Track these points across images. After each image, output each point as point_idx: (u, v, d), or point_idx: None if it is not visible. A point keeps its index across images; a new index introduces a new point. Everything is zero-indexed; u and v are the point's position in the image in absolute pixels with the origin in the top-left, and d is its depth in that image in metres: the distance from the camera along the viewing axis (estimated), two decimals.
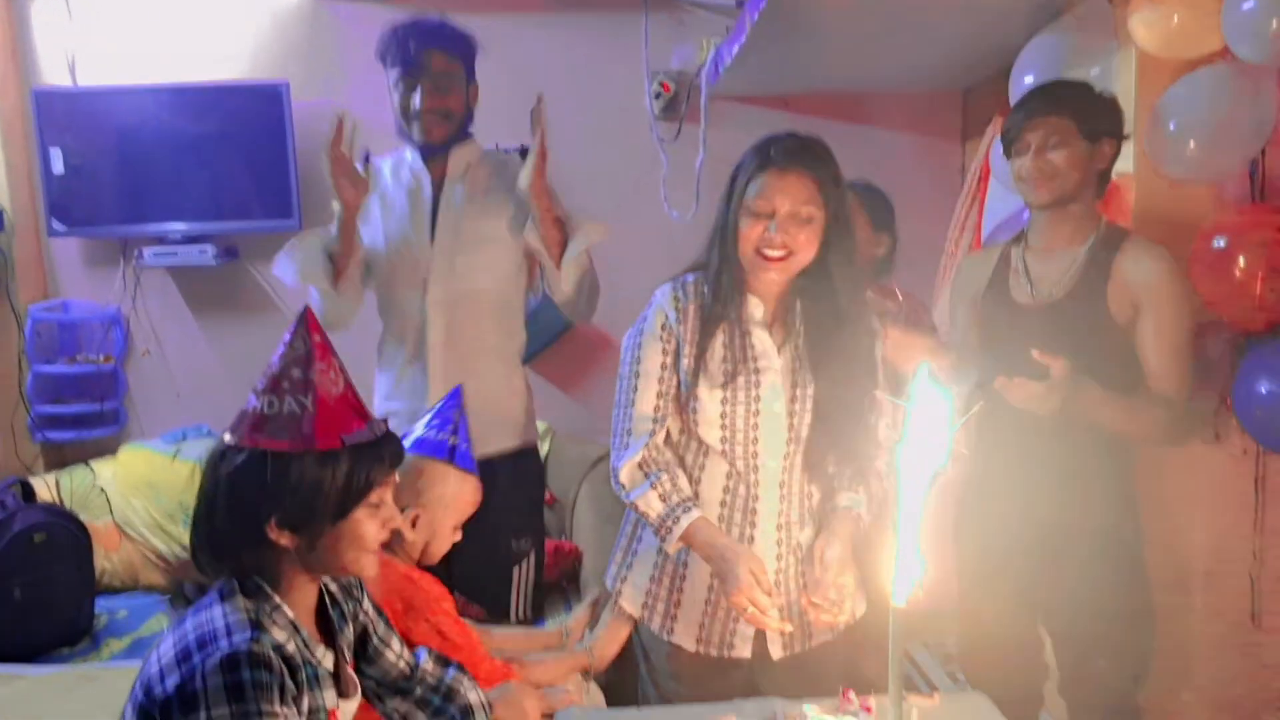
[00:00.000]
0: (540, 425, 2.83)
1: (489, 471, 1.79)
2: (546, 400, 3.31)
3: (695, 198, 3.07)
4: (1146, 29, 1.86)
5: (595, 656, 1.77)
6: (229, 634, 1.04)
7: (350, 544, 1.13)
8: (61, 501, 2.98)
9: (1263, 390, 1.73)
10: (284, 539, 1.09)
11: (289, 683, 1.03)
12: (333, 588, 1.22)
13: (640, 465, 1.62)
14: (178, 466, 3.13)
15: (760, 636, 1.65)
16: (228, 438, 1.11)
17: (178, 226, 3.29)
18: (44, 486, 3.02)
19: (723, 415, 1.61)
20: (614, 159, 3.40)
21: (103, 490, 3.08)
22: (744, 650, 1.66)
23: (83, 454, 3.31)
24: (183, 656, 1.03)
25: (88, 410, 3.38)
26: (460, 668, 1.34)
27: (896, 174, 2.51)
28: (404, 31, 2.01)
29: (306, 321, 1.15)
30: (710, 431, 1.62)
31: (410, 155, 2.13)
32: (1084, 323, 1.79)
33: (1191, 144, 1.82)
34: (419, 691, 1.28)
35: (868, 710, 1.13)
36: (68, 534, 2.68)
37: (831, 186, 1.57)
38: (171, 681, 1.01)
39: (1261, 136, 1.79)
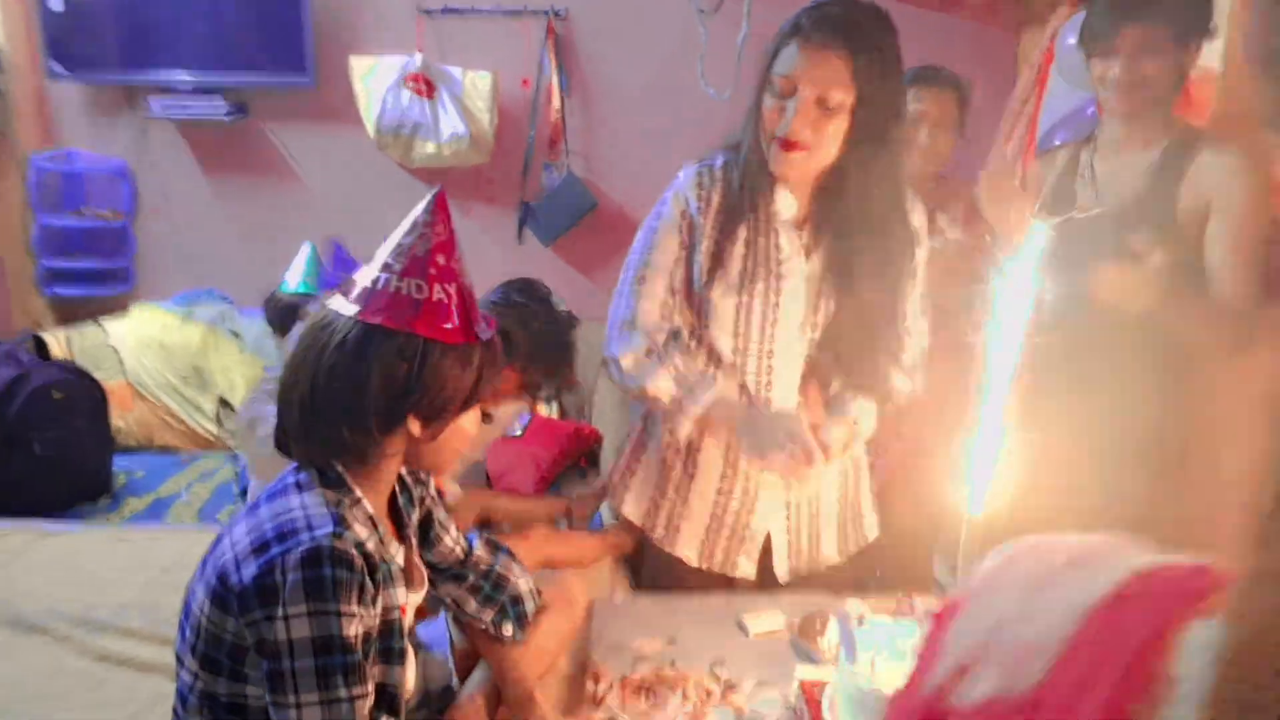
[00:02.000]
0: (562, 308, 2.77)
1: None
2: (568, 284, 3.24)
3: (735, 77, 2.91)
4: None
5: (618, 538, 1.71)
6: (310, 527, 0.98)
7: (458, 441, 1.10)
8: (73, 358, 2.94)
9: None
10: (416, 429, 1.05)
11: (368, 582, 0.99)
12: (403, 474, 1.18)
13: (648, 352, 1.47)
14: (189, 329, 3.08)
15: (766, 556, 1.55)
16: (372, 317, 1.02)
17: (184, 76, 3.12)
18: (55, 343, 2.97)
19: (736, 323, 1.45)
20: (648, 29, 3.23)
21: (114, 349, 3.03)
22: (748, 569, 1.55)
23: (91, 311, 3.25)
24: (259, 546, 0.98)
25: (97, 267, 3.30)
26: (509, 553, 1.32)
27: (950, 63, 2.37)
28: None
29: (442, 205, 1.05)
30: (723, 339, 1.47)
31: None
32: (1150, 229, 1.73)
33: None
34: (471, 578, 1.26)
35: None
36: (85, 391, 2.65)
37: (874, 68, 1.31)
38: (248, 571, 0.97)
39: None
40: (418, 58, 3.08)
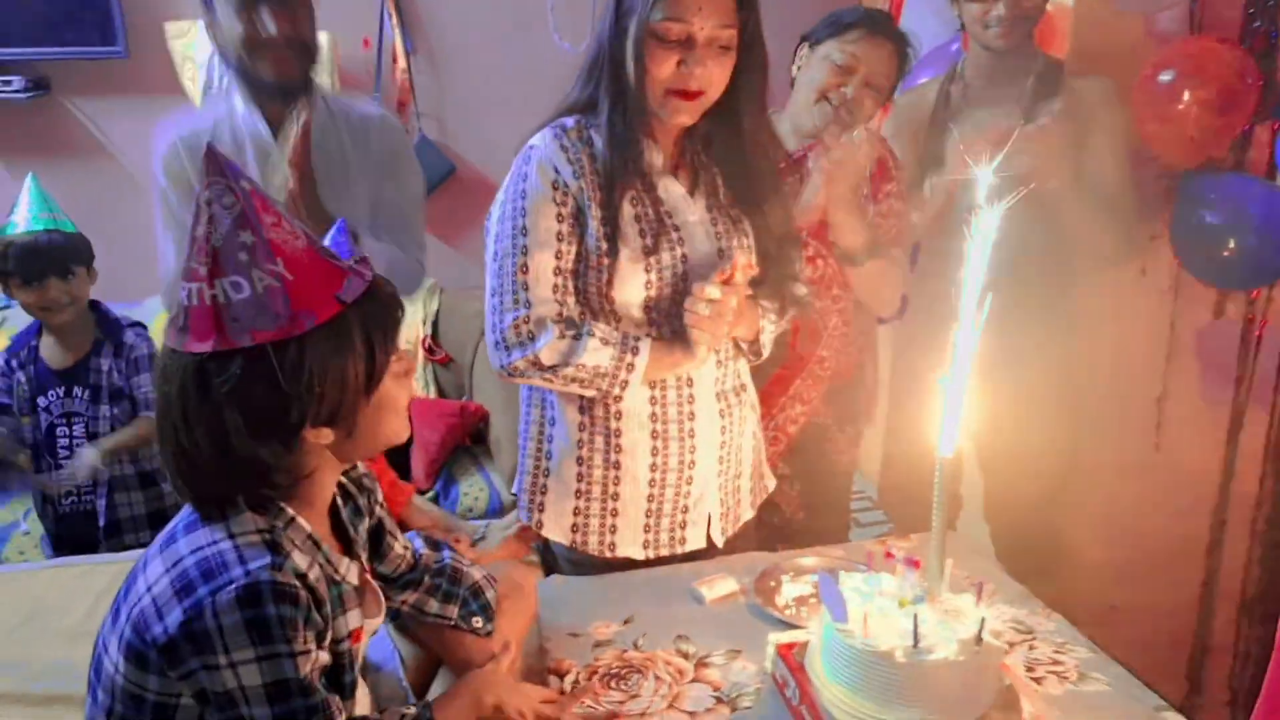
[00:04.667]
0: (426, 281, 2.61)
1: None
2: (430, 254, 3.06)
3: (591, 27, 2.81)
4: None
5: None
6: (242, 560, 0.85)
7: (387, 414, 0.95)
8: None
9: (1202, 221, 1.81)
10: (322, 437, 0.90)
11: (315, 616, 0.88)
12: (344, 481, 1.05)
13: (561, 335, 1.34)
14: None
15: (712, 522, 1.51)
16: (200, 345, 0.85)
17: None
18: None
19: (647, 284, 1.37)
20: None
21: None
22: (698, 540, 1.49)
23: None
24: (183, 588, 0.84)
25: None
26: (450, 545, 1.23)
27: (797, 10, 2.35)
28: None
29: (223, 170, 0.85)
30: (636, 298, 1.37)
31: (241, 107, 1.75)
32: (1030, 155, 1.80)
33: None
34: (426, 579, 1.16)
35: (916, 566, 1.08)
36: None
37: (750, 3, 1.32)
38: (173, 619, 0.83)
39: None
40: None
